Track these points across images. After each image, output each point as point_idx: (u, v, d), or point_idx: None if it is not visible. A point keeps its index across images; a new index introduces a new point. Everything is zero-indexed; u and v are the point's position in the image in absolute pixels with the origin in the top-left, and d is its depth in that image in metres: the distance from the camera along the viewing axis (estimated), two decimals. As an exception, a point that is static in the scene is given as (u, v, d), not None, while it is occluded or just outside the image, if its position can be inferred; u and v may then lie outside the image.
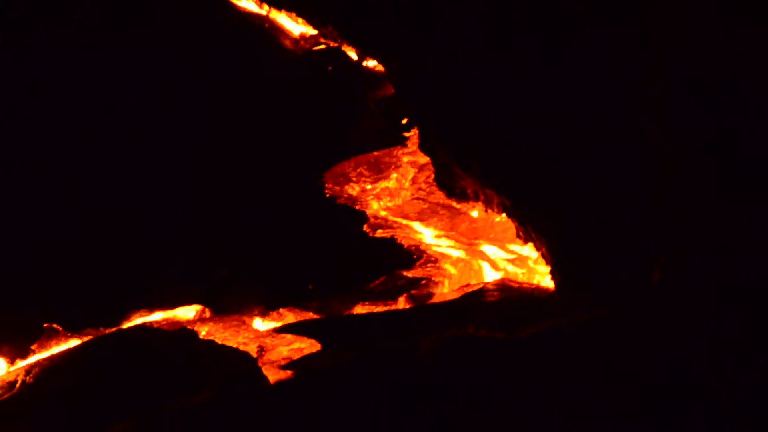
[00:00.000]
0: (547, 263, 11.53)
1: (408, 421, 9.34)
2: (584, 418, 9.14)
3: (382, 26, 12.48)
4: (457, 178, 11.98)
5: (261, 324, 13.43)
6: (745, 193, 10.02)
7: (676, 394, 9.15)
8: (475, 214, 14.94)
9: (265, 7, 15.73)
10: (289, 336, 11.89)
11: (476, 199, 12.13)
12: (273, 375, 10.95)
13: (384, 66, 13.92)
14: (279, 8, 15.46)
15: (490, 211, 11.90)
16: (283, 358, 11.44)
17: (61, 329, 13.14)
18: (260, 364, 11.19)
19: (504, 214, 11.74)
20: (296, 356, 11.38)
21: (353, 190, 16.04)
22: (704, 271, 10.15)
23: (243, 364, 10.88)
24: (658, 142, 10.67)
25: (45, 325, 13.12)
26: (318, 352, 11.30)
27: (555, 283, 11.51)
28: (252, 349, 11.70)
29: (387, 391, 9.83)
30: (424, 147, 12.77)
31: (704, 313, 9.76)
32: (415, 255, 15.12)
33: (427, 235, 15.34)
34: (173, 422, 9.23)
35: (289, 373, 10.92)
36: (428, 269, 14.98)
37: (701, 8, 10.09)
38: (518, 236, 11.82)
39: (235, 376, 10.61)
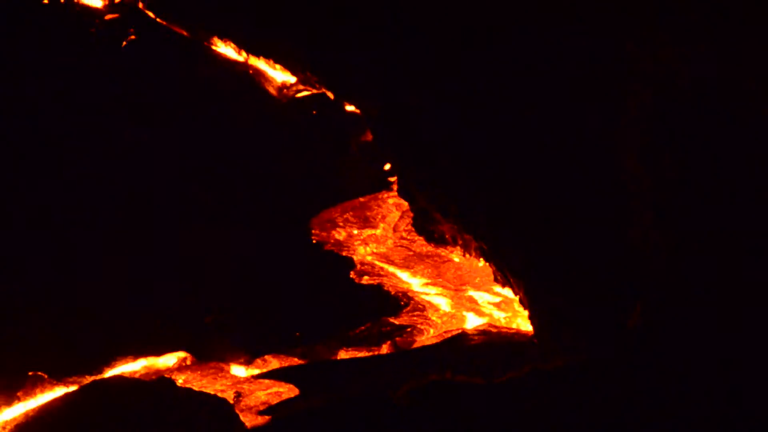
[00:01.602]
0: (525, 308, 11.53)
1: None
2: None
3: (358, 71, 12.68)
4: (435, 223, 12.04)
5: (241, 370, 13.38)
6: (722, 241, 10.08)
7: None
8: (457, 259, 14.98)
9: (243, 54, 15.98)
10: (267, 381, 11.83)
11: (455, 244, 12.17)
12: (250, 420, 10.88)
13: (361, 111, 14.10)
14: (257, 55, 15.72)
15: (468, 255, 11.92)
16: (261, 403, 11.36)
17: (46, 377, 13.10)
18: (237, 410, 11.11)
19: (482, 259, 11.76)
20: (274, 401, 11.30)
21: (340, 235, 16.10)
22: (680, 317, 10.15)
23: (219, 411, 10.81)
24: (634, 182, 10.75)
25: (30, 373, 13.11)
26: (296, 397, 11.24)
27: (534, 327, 11.49)
28: (230, 396, 11.63)
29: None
30: (402, 192, 12.86)
31: (680, 358, 9.76)
32: (402, 302, 15.11)
33: (414, 284, 15.36)
34: None
35: (266, 418, 10.86)
36: (414, 317, 14.95)
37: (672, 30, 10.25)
38: (496, 280, 11.83)
39: (212, 423, 10.55)
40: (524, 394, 10.33)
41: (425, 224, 12.22)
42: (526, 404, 10.16)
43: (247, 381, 12.15)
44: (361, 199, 16.48)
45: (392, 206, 16.24)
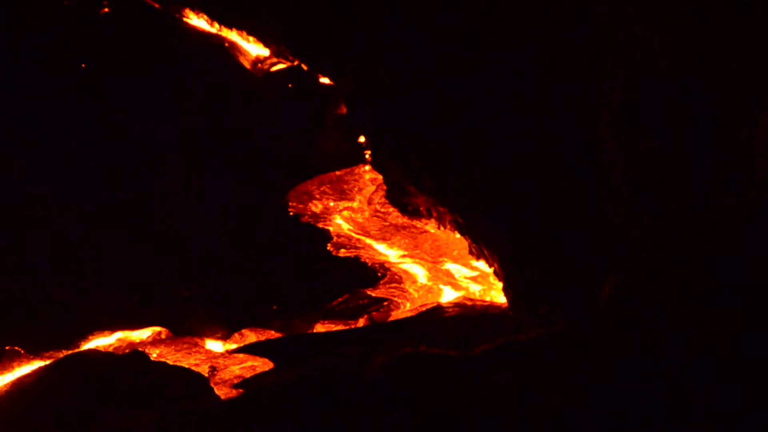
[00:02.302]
0: (499, 280, 11.55)
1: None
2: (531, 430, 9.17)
3: (329, 44, 12.54)
4: (409, 195, 11.99)
5: (218, 345, 13.37)
6: (697, 214, 10.13)
7: (621, 407, 9.22)
8: (433, 231, 14.97)
9: (216, 25, 15.73)
10: (241, 355, 11.83)
11: (429, 216, 12.14)
12: (225, 394, 10.88)
13: (335, 82, 13.96)
14: (230, 27, 15.48)
15: (443, 228, 11.90)
16: (235, 377, 11.37)
17: (23, 351, 13.07)
18: (212, 384, 11.10)
19: (457, 232, 11.74)
20: (248, 375, 11.30)
21: (316, 207, 16.04)
22: (653, 290, 10.22)
23: (193, 384, 10.80)
24: (613, 156, 10.76)
25: (7, 347, 13.08)
26: (269, 371, 11.24)
27: (507, 299, 11.52)
28: (204, 370, 11.61)
29: (334, 406, 9.85)
30: (376, 164, 12.78)
31: (652, 331, 9.83)
32: (379, 273, 15.11)
33: (391, 255, 15.35)
34: None
35: (240, 391, 10.86)
36: (392, 289, 14.97)
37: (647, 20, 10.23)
38: (471, 252, 11.83)
39: (185, 396, 10.54)
40: (497, 365, 10.40)
41: (399, 197, 12.18)
42: (499, 376, 10.23)
43: (221, 355, 12.14)
44: (338, 173, 16.39)
45: (368, 180, 16.17)
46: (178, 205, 15.18)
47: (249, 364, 11.58)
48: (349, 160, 16.19)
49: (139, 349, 12.29)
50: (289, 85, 15.89)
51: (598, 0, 10.26)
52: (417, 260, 15.26)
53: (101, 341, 13.49)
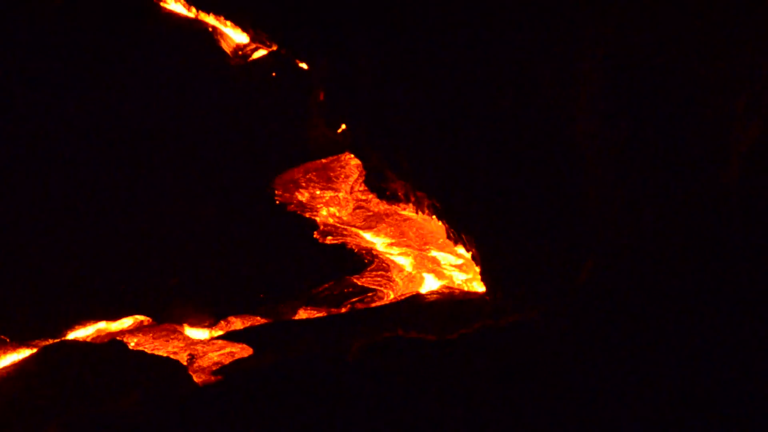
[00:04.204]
0: (477, 264, 11.55)
1: (326, 418, 9.34)
2: (506, 413, 9.18)
3: (306, 26, 12.46)
4: (388, 180, 11.97)
5: (204, 333, 13.36)
6: (673, 198, 10.14)
7: (597, 389, 9.22)
8: (419, 219, 14.95)
9: (194, 10, 15.62)
10: (220, 342, 11.84)
11: (407, 201, 12.13)
12: (202, 380, 10.90)
13: (311, 67, 13.88)
14: (207, 11, 15.39)
15: (421, 213, 11.90)
16: (214, 364, 11.38)
17: (8, 340, 13.13)
18: (190, 371, 11.11)
19: (435, 216, 11.74)
20: (227, 361, 11.32)
21: (303, 196, 16.02)
22: (629, 273, 10.23)
23: (171, 371, 10.82)
24: (590, 141, 10.75)
25: (-6, 335, 13.19)
26: (248, 357, 11.26)
27: (485, 284, 11.53)
28: (183, 357, 11.62)
29: (311, 390, 9.86)
30: (354, 149, 12.74)
31: (629, 314, 9.84)
32: (366, 260, 15.06)
33: (377, 243, 15.33)
34: (96, 424, 9.35)
35: (218, 377, 10.87)
36: (377, 278, 14.93)
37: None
38: (449, 237, 11.83)
39: (162, 382, 10.56)
40: (475, 349, 10.40)
41: (377, 182, 12.15)
42: (476, 359, 10.24)
43: (200, 342, 12.14)
44: (323, 161, 16.38)
45: (354, 168, 16.15)
46: (165, 194, 15.19)
47: (228, 350, 11.58)
48: (336, 147, 16.18)
49: (117, 338, 12.28)
50: (273, 74, 15.87)
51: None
52: (403, 248, 15.25)
53: (85, 331, 13.50)
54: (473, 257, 11.52)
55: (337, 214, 15.69)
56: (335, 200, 15.90)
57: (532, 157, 11.07)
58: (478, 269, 13.07)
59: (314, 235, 15.33)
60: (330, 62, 11.85)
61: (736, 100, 9.64)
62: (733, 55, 9.55)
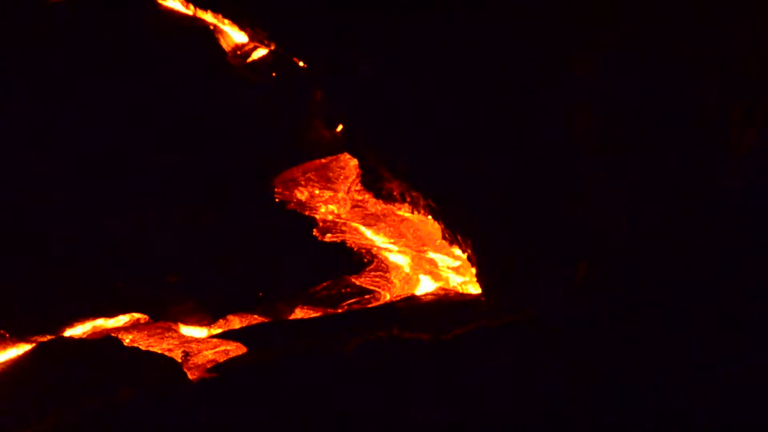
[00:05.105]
0: (472, 265, 11.55)
1: (322, 416, 9.36)
2: (500, 412, 9.19)
3: (303, 25, 12.46)
4: (383, 180, 11.98)
5: (200, 331, 13.31)
6: (668, 199, 10.16)
7: (593, 390, 9.24)
8: (415, 219, 14.93)
9: (191, 7, 15.58)
10: (215, 340, 11.82)
11: (403, 201, 12.13)
12: (197, 377, 10.89)
13: (310, 67, 13.88)
14: (205, 9, 15.36)
15: (417, 213, 11.90)
16: (209, 361, 11.36)
17: (7, 335, 13.11)
18: (185, 369, 11.09)
19: (430, 217, 11.75)
20: (221, 359, 11.30)
21: (302, 194, 15.99)
22: (626, 273, 10.25)
23: (165, 368, 10.81)
24: (586, 141, 10.77)
25: (-7, 331, 13.15)
26: (242, 355, 11.25)
27: (481, 285, 11.53)
28: (177, 355, 11.60)
29: (307, 387, 9.88)
30: (351, 149, 12.76)
31: (625, 314, 9.86)
32: (366, 259, 15.00)
33: (377, 241, 15.29)
34: (89, 418, 9.61)
35: (213, 375, 10.87)
36: (376, 278, 14.88)
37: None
38: (444, 238, 11.84)
39: (157, 379, 10.56)
40: (469, 349, 10.42)
41: (373, 181, 12.17)
42: (470, 359, 10.25)
43: (195, 340, 12.11)
44: (323, 160, 16.37)
45: (353, 168, 16.12)
46: (162, 192, 15.14)
47: (222, 348, 11.56)
48: (335, 147, 16.16)
49: (112, 335, 12.25)
50: (273, 74, 15.85)
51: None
52: (402, 248, 15.23)
53: (81, 328, 13.46)
54: (468, 258, 11.53)
55: (336, 212, 15.68)
56: (334, 199, 15.90)
57: (528, 158, 11.08)
58: (474, 271, 13.07)
59: (313, 233, 15.30)
60: (327, 61, 11.87)
61: (733, 109, 9.68)
62: (729, 63, 9.60)
